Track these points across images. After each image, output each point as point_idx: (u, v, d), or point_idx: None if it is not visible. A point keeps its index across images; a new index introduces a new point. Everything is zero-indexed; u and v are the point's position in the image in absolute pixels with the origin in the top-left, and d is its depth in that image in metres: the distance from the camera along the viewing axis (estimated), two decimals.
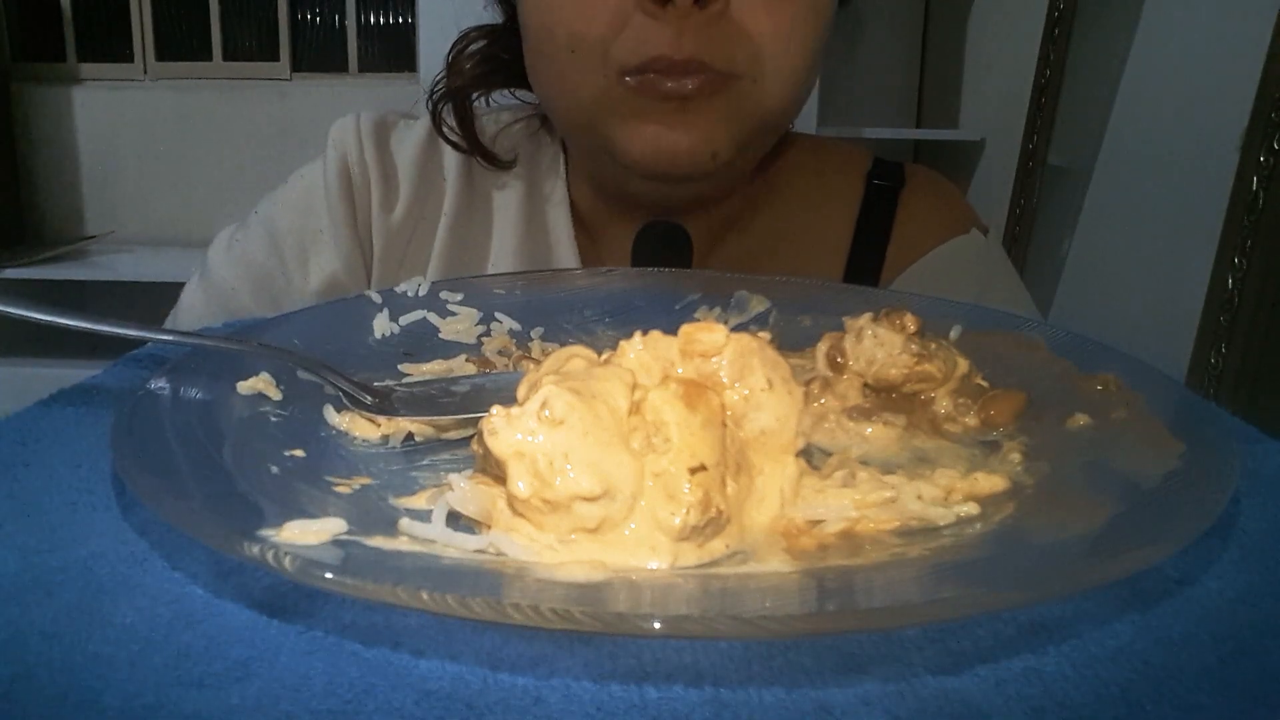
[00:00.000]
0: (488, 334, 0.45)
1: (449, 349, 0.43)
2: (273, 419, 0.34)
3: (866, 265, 0.66)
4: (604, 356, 0.29)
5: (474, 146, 0.65)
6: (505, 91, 0.68)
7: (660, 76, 0.52)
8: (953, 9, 2.25)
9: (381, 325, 0.43)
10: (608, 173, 0.62)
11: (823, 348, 0.38)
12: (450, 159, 0.66)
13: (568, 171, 0.67)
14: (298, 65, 2.88)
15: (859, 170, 0.69)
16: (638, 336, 0.29)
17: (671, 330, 0.29)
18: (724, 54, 0.52)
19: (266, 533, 0.23)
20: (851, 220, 0.67)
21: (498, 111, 0.69)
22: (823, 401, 0.36)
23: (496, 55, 0.65)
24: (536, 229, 0.66)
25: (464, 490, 0.26)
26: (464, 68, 0.66)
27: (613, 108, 0.54)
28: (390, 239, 0.65)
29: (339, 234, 0.63)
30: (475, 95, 0.66)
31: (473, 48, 0.66)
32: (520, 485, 0.25)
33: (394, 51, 2.86)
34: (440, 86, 0.66)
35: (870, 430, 0.35)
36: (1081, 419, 0.33)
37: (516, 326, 0.45)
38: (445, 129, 0.65)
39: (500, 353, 0.43)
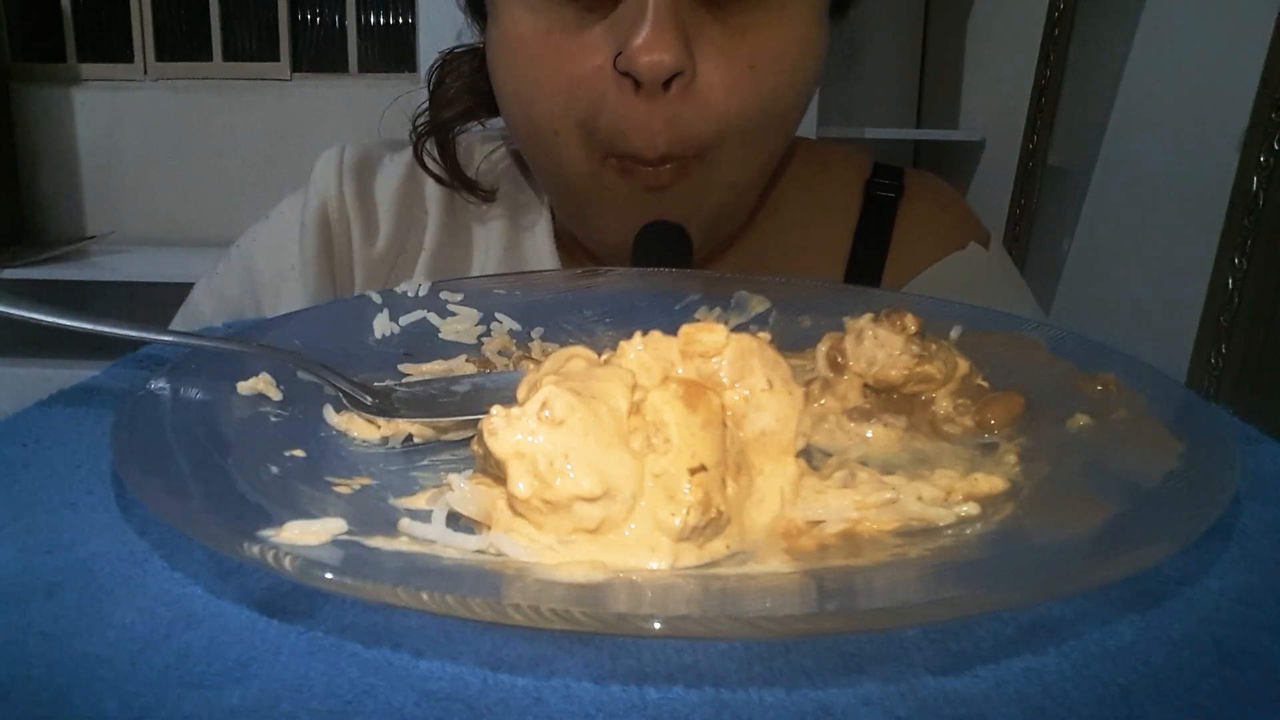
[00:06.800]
0: (488, 334, 0.45)
1: (449, 349, 0.43)
2: (273, 419, 0.34)
3: (864, 278, 0.66)
4: (604, 357, 0.29)
5: (457, 180, 0.65)
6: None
7: (637, 165, 0.53)
8: (953, 9, 2.25)
9: (381, 325, 0.43)
10: (584, 234, 0.62)
11: (823, 348, 0.38)
12: (432, 190, 0.66)
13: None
14: (298, 65, 2.88)
15: (858, 179, 0.69)
16: (638, 337, 0.29)
17: (671, 330, 0.29)
18: (693, 133, 0.52)
19: (266, 533, 0.23)
20: (850, 232, 0.67)
21: (484, 139, 0.69)
22: (823, 402, 0.36)
23: (479, 85, 0.64)
24: (517, 258, 0.66)
25: (464, 490, 0.26)
26: (447, 97, 0.65)
27: (598, 186, 0.55)
28: (372, 271, 0.65)
29: (308, 273, 0.64)
30: (459, 129, 0.66)
31: (454, 76, 0.65)
32: (520, 485, 0.25)
33: (394, 52, 2.87)
34: (423, 120, 0.65)
35: (870, 431, 0.35)
36: (1081, 419, 0.33)
37: (516, 327, 0.45)
38: (428, 160, 0.65)
39: (500, 353, 0.43)
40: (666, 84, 0.50)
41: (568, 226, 0.65)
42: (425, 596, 0.20)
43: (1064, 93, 1.76)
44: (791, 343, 0.42)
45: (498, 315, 0.45)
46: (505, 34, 0.54)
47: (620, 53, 0.49)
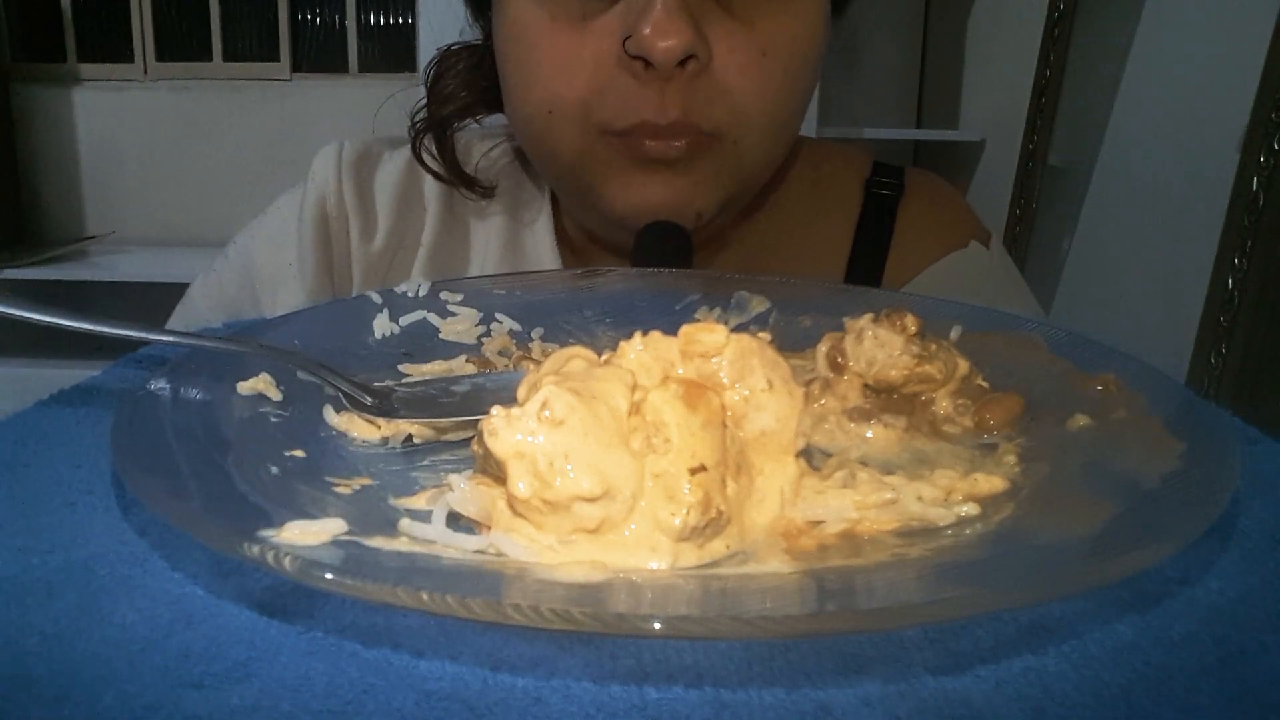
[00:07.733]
0: (488, 334, 0.45)
1: (449, 349, 0.43)
2: (273, 419, 0.34)
3: (865, 277, 0.66)
4: (604, 357, 0.29)
5: (455, 176, 0.65)
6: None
7: (645, 139, 0.52)
8: (953, 9, 2.25)
9: (381, 326, 0.43)
10: (591, 220, 0.62)
11: (823, 348, 0.38)
12: (431, 186, 0.66)
13: (553, 198, 0.66)
14: (298, 65, 2.88)
15: (858, 178, 0.69)
16: (638, 337, 0.29)
17: (671, 331, 0.29)
18: (708, 114, 0.52)
19: (266, 533, 0.23)
20: (850, 231, 0.67)
21: (483, 136, 0.69)
22: (823, 402, 0.36)
23: (477, 81, 0.64)
24: (517, 254, 0.65)
25: (464, 491, 0.26)
26: (445, 93, 0.65)
27: (595, 164, 0.54)
28: (370, 268, 0.65)
29: (306, 269, 0.63)
30: (457, 125, 0.66)
31: (452, 73, 0.65)
32: (520, 486, 0.25)
33: (394, 52, 2.86)
34: (421, 116, 0.65)
35: (870, 431, 0.35)
36: (1081, 419, 0.33)
37: (516, 327, 0.45)
38: (426, 157, 0.65)
39: (500, 353, 0.43)
40: (682, 64, 0.50)
41: (577, 217, 0.64)
42: (425, 596, 0.20)
43: (1064, 93, 1.76)
44: (791, 343, 0.42)
45: (498, 315, 0.45)
46: (510, 24, 0.54)
47: (630, 36, 0.49)
